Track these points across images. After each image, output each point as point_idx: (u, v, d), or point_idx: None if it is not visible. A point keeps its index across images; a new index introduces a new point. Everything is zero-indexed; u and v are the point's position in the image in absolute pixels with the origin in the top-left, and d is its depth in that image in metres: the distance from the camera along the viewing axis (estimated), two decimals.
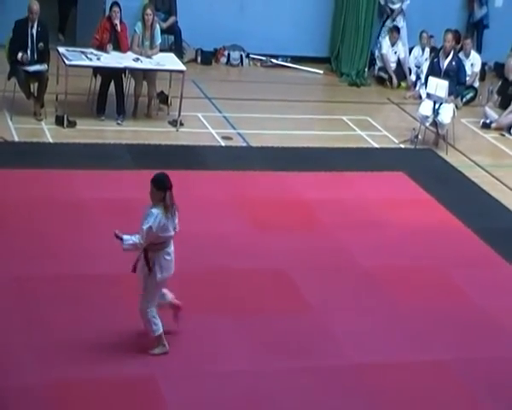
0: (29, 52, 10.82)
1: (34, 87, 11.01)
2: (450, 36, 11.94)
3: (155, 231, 6.28)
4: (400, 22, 15.00)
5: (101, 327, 6.85)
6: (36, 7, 10.83)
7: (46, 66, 10.90)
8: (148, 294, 6.51)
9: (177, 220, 6.50)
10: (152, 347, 6.63)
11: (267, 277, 7.95)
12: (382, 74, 14.78)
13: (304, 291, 7.77)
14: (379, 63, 14.92)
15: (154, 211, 6.30)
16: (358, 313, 7.55)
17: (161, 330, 6.60)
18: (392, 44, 14.64)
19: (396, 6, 14.96)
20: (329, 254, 8.50)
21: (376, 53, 14.97)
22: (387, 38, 14.68)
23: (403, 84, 14.66)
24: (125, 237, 6.28)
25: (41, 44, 10.89)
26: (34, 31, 10.84)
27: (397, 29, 14.69)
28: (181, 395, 6.23)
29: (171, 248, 6.51)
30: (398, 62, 14.73)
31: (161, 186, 6.30)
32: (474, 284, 8.28)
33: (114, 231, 6.30)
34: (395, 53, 14.74)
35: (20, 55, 10.72)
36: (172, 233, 6.47)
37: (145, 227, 6.27)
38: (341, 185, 10.24)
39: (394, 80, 14.62)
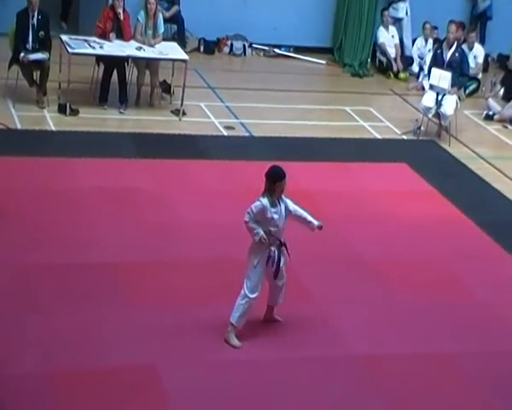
0: (30, 41, 10.79)
1: (37, 75, 11.00)
2: (453, 27, 11.92)
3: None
4: (402, 12, 14.93)
5: (98, 316, 6.85)
6: None
7: (47, 54, 10.88)
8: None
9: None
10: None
11: None
12: (382, 58, 14.69)
13: (305, 281, 7.77)
14: (379, 53, 14.85)
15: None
16: (359, 304, 7.53)
17: None
18: (386, 27, 14.56)
19: None
20: (330, 246, 8.47)
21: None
22: (381, 26, 14.62)
23: (402, 74, 14.59)
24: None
25: (41, 33, 10.85)
26: (35, 20, 10.81)
27: (386, 9, 14.61)
28: (181, 386, 6.23)
29: None
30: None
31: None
32: (475, 277, 8.27)
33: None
34: (392, 37, 14.68)
35: (21, 55, 10.70)
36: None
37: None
38: (343, 176, 10.23)
39: (394, 67, 14.55)
